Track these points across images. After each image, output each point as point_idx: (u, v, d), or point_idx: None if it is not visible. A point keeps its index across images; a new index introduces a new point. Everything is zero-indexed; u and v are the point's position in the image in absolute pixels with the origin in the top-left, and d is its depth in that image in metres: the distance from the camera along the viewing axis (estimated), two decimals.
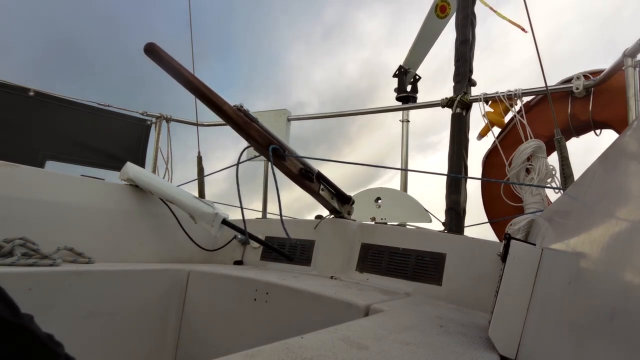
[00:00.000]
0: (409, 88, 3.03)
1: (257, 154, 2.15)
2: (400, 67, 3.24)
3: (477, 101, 2.00)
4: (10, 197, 1.76)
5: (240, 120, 1.69)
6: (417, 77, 3.15)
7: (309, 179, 1.94)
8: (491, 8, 2.72)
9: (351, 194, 2.26)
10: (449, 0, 3.02)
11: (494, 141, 1.96)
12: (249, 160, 2.04)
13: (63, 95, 2.76)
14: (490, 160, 1.98)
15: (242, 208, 1.93)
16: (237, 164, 1.92)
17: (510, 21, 2.56)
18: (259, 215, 2.83)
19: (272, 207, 2.77)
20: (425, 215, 2.14)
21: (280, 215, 1.91)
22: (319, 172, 2.01)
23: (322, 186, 2.05)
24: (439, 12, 3.12)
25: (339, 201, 2.19)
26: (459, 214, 1.88)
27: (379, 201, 2.29)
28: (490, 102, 1.98)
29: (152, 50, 1.45)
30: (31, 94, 2.62)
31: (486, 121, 1.97)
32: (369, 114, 2.70)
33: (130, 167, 2.32)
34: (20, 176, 1.84)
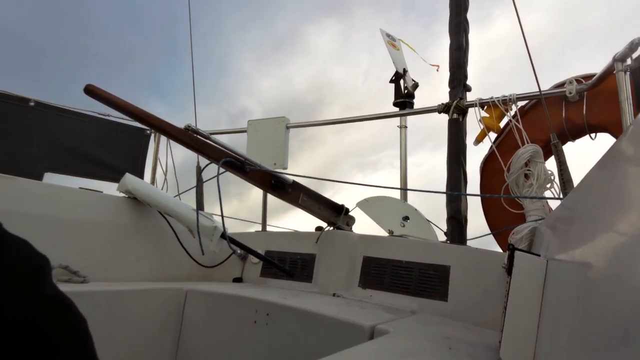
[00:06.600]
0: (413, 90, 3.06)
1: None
2: (397, 72, 3.25)
3: (473, 106, 2.01)
4: (7, 210, 1.72)
5: (188, 139, 1.80)
6: (415, 83, 3.16)
7: (281, 189, 1.96)
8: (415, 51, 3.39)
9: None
10: (395, 43, 3.36)
11: (491, 146, 1.96)
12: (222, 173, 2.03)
13: (63, 105, 2.74)
14: (488, 165, 1.98)
15: (222, 217, 1.95)
16: (217, 175, 1.90)
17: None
18: (259, 227, 2.81)
19: (273, 220, 2.75)
20: (433, 234, 2.13)
21: (224, 225, 1.94)
22: (294, 181, 2.02)
23: (303, 196, 2.05)
24: (392, 47, 3.34)
25: (332, 212, 2.18)
26: (460, 223, 1.87)
27: (407, 221, 2.26)
28: (485, 107, 1.99)
29: (91, 91, 1.58)
30: (31, 104, 2.61)
31: (482, 126, 1.97)
32: (366, 120, 2.70)
33: (129, 179, 2.30)
34: (17, 189, 1.81)
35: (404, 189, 2.57)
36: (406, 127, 2.98)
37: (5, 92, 2.54)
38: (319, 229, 2.34)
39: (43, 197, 1.91)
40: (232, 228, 2.17)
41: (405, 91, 3.20)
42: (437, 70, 3.53)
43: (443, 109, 2.05)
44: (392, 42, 3.59)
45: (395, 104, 3.21)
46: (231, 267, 2.38)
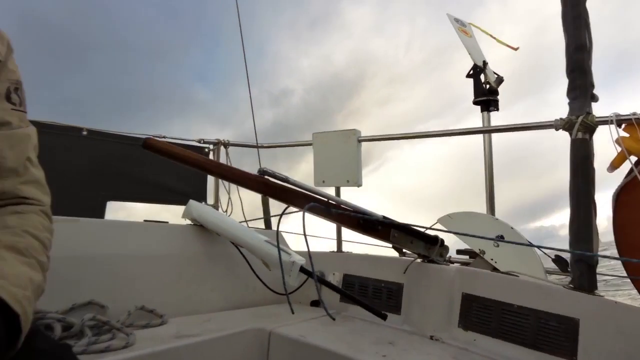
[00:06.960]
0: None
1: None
2: (475, 66, 2.86)
3: (606, 123, 1.63)
4: (75, 256, 1.65)
5: (265, 189, 1.74)
6: (499, 77, 2.77)
7: (370, 228, 1.81)
8: (491, 35, 3.16)
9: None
10: (466, 29, 3.10)
11: (632, 171, 1.59)
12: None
13: (116, 131, 2.67)
14: (626, 197, 1.61)
15: (311, 260, 1.80)
16: (304, 211, 1.72)
17: (504, 44, 3.10)
18: (333, 246, 2.58)
19: (347, 234, 2.49)
20: (538, 261, 1.84)
21: (312, 265, 1.80)
22: (384, 217, 1.82)
23: (393, 232, 1.85)
24: (463, 34, 3.05)
25: (425, 244, 1.93)
26: (591, 267, 1.55)
27: (500, 243, 1.99)
28: (624, 126, 1.61)
29: (150, 145, 1.51)
30: (84, 133, 2.54)
31: (620, 148, 1.60)
32: (450, 135, 2.34)
33: (194, 206, 2.19)
34: (82, 231, 1.75)
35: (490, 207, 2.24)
36: None
37: (54, 122, 2.45)
38: (397, 249, 2.11)
39: (108, 235, 1.84)
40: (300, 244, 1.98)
41: (487, 86, 2.82)
42: (516, 50, 3.25)
43: (563, 125, 1.68)
44: (462, 28, 3.18)
45: (475, 103, 2.85)
46: (308, 288, 2.22)
